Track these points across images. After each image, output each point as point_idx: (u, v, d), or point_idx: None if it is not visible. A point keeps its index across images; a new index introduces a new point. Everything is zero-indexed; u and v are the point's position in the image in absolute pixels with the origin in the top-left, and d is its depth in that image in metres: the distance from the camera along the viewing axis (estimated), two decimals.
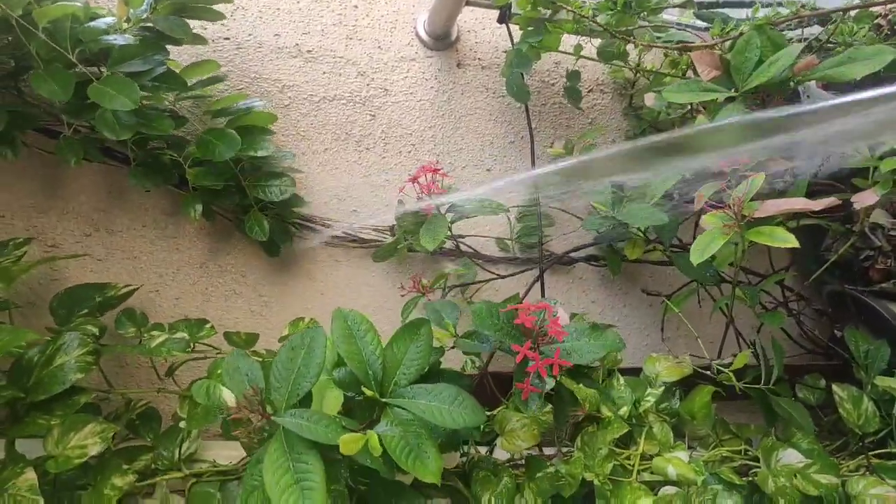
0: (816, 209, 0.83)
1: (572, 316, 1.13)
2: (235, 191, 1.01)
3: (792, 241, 0.74)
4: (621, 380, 0.94)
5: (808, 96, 1.02)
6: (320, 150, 1.16)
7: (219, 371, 0.84)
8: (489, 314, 0.73)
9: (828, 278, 1.13)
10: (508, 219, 1.17)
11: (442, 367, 0.86)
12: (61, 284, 1.02)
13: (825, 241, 1.20)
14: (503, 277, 1.17)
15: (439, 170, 0.93)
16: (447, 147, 1.21)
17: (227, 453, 0.91)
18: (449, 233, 1.00)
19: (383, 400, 0.71)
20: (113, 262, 1.07)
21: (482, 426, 0.80)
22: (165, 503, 0.80)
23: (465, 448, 0.90)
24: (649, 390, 0.92)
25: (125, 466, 0.78)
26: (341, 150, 1.16)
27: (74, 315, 0.87)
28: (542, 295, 1.10)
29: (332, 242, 1.14)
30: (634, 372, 1.03)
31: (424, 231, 0.95)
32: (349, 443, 0.64)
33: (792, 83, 0.90)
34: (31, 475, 0.71)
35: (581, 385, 0.80)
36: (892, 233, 1.10)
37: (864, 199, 0.83)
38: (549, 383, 0.74)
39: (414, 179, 0.96)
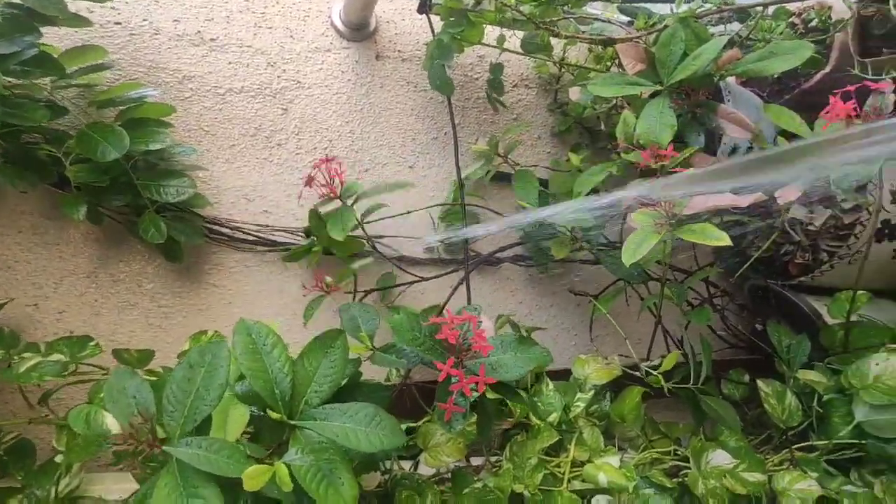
0: (743, 205, 0.81)
1: (499, 317, 1.09)
2: (126, 189, 0.90)
3: (725, 240, 0.72)
4: (550, 385, 0.90)
5: (729, 92, 1.02)
6: (226, 147, 1.06)
7: (101, 395, 0.74)
8: (410, 327, 0.67)
9: (750, 273, 1.14)
10: (432, 218, 1.11)
11: (362, 378, 0.80)
12: None
13: (746, 237, 1.22)
14: (426, 280, 1.12)
15: (333, 159, 0.86)
16: (366, 143, 1.14)
17: (120, 486, 0.81)
18: (362, 231, 0.94)
19: (292, 422, 0.64)
20: None
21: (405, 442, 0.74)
22: None
23: (387, 465, 0.84)
24: (579, 395, 0.89)
25: None
26: (250, 147, 1.07)
27: None
28: (468, 297, 1.05)
29: (241, 247, 1.05)
30: (564, 374, 1.00)
31: (332, 222, 0.88)
32: (254, 477, 0.57)
33: (716, 78, 0.89)
34: None
35: (506, 396, 0.76)
36: (809, 227, 1.12)
37: (787, 194, 0.82)
38: (474, 395, 0.69)
39: (309, 182, 0.88)
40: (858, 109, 0.76)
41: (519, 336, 0.70)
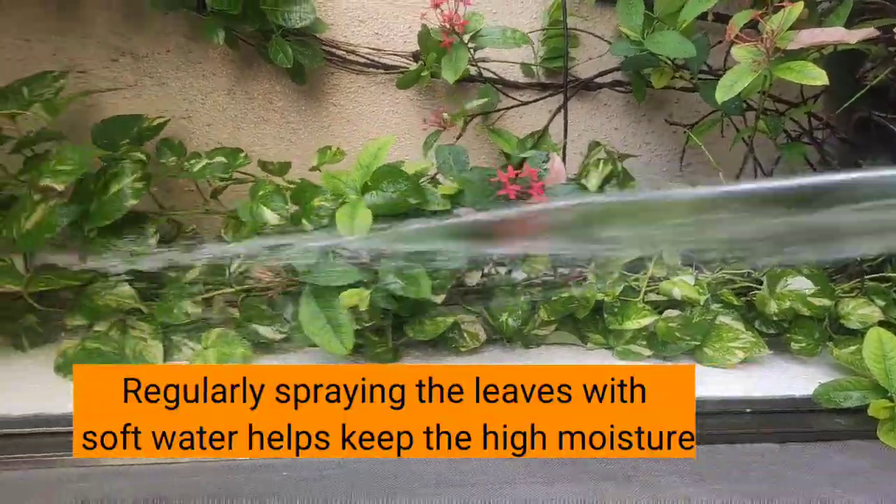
0: (853, 41, 0.80)
1: (594, 144, 1.15)
2: (256, 16, 0.99)
3: (822, 79, 0.73)
4: None
5: None
6: None
7: (260, 192, 0.90)
8: (480, 182, 0.76)
9: (860, 106, 1.11)
10: (531, 42, 1.14)
11: None
12: (96, 111, 1.05)
13: (864, 65, 1.16)
14: (525, 104, 1.17)
15: None
16: None
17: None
18: (471, 58, 0.99)
19: None
20: (142, 89, 1.08)
21: None
22: (223, 314, 0.91)
23: (486, 269, 0.99)
24: None
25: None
26: None
27: (118, 145, 0.91)
28: (565, 123, 1.11)
29: (355, 69, 1.13)
30: None
31: (445, 62, 0.95)
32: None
33: None
34: (126, 288, 0.82)
35: None
36: None
37: None
38: None
39: (436, 5, 0.93)
40: None
41: (580, 186, 0.77)
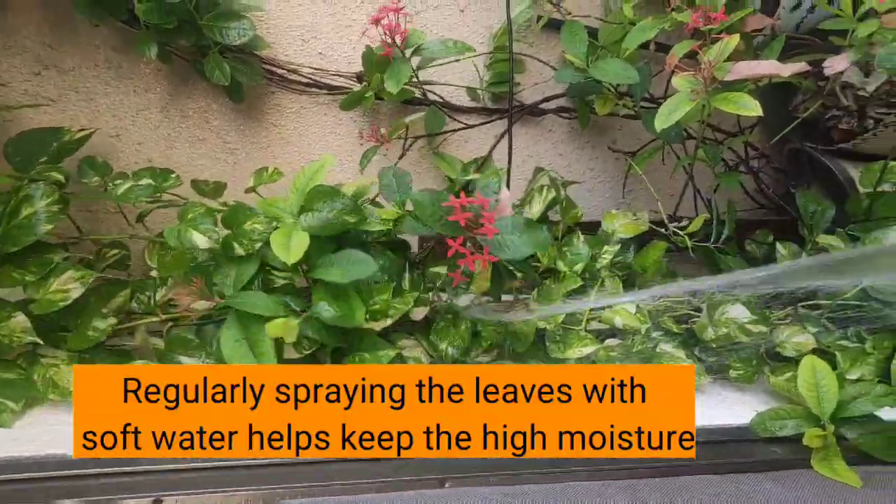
0: (786, 74, 0.82)
1: (538, 170, 1.15)
2: (192, 31, 0.95)
3: (756, 110, 0.74)
4: (581, 237, 0.98)
5: None
6: None
7: (190, 215, 0.86)
8: (430, 205, 0.75)
9: (792, 137, 1.15)
10: (475, 66, 1.13)
11: None
12: (16, 128, 0.99)
13: (796, 98, 1.20)
14: (470, 128, 1.17)
15: (401, 9, 0.89)
16: None
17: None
18: (415, 79, 0.98)
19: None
20: (68, 104, 1.03)
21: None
22: (145, 344, 0.86)
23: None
24: (606, 248, 0.97)
25: (104, 310, 0.82)
26: None
27: (34, 162, 0.85)
28: (509, 148, 1.11)
29: (297, 89, 1.11)
30: (596, 226, 1.07)
31: (388, 74, 0.93)
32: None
33: None
34: (21, 318, 0.75)
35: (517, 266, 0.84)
36: (860, 93, 1.10)
37: (836, 64, 0.82)
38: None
39: (376, 20, 0.91)
40: None
41: (528, 220, 0.76)
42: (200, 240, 0.82)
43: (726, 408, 0.92)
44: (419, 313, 0.89)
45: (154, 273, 0.87)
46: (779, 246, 1.03)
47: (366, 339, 0.83)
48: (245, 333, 0.74)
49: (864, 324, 0.98)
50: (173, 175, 0.92)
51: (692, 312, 1.02)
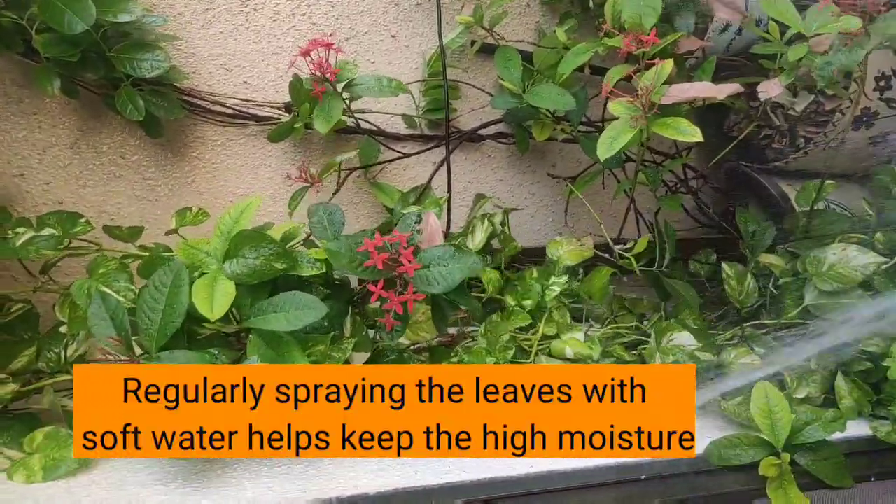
0: (721, 96, 0.82)
1: (479, 197, 1.11)
2: (100, 63, 0.88)
3: (696, 136, 0.73)
4: (535, 273, 0.95)
5: None
6: (200, 11, 1.01)
7: (101, 270, 0.78)
8: (347, 252, 0.70)
9: (729, 156, 1.16)
10: (410, 93, 1.10)
11: None
12: None
13: (729, 118, 1.22)
14: (408, 156, 1.13)
15: (332, 45, 0.85)
16: (346, 9, 1.09)
17: None
18: (347, 108, 0.94)
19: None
20: None
21: None
22: (54, 406, 0.77)
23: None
24: (553, 279, 0.94)
25: (2, 375, 0.73)
26: (225, 11, 1.02)
27: None
28: (448, 175, 1.07)
29: (222, 121, 1.04)
30: (541, 251, 1.05)
31: (318, 112, 0.88)
32: None
33: None
34: None
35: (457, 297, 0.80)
36: (790, 112, 1.12)
37: (770, 89, 0.82)
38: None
39: (305, 53, 0.87)
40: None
41: (456, 247, 0.72)
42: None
43: None
44: (361, 359, 0.84)
45: (64, 329, 0.78)
46: (724, 266, 1.03)
47: None
48: None
49: (808, 342, 0.99)
50: (82, 220, 0.83)
51: (642, 338, 1.00)
